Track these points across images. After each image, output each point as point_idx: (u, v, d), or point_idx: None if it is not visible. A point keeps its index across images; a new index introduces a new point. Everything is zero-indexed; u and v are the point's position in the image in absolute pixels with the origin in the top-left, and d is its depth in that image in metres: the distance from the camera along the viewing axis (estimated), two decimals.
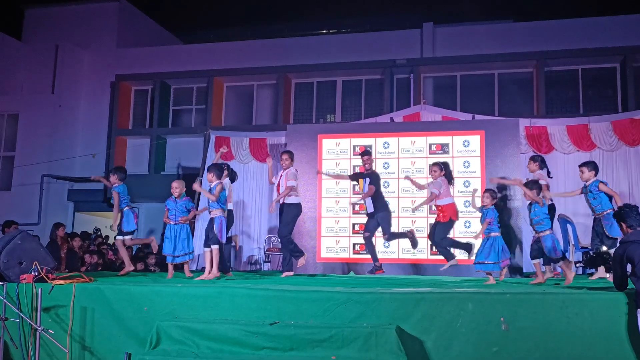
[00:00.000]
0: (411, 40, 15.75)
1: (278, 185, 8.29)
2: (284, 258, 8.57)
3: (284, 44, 16.75)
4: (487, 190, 7.53)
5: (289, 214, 8.30)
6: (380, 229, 8.60)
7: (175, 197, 7.48)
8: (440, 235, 7.91)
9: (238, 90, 16.94)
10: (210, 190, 7.21)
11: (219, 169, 7.46)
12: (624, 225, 4.95)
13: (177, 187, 7.49)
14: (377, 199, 8.44)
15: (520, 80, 15.13)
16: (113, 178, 7.92)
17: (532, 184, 6.90)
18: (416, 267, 9.82)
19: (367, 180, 8.49)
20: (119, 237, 7.91)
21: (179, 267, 7.81)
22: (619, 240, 5.10)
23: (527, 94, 14.84)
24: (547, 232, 6.79)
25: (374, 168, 8.77)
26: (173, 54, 17.31)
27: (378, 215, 8.44)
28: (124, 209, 7.84)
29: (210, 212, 7.30)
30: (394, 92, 15.40)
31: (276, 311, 5.19)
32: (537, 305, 4.89)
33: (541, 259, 7.00)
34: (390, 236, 8.57)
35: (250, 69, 16.18)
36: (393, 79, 15.45)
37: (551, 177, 8.53)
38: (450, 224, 7.97)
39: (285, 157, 8.39)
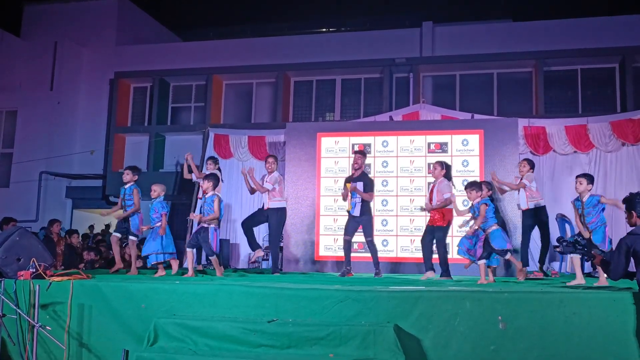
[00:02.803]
0: (410, 39, 15.75)
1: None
2: (273, 259, 8.72)
3: (284, 42, 16.74)
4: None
5: (274, 219, 8.44)
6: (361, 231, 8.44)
7: (152, 199, 7.55)
8: (443, 243, 7.78)
9: (237, 88, 16.92)
10: (206, 201, 7.41)
11: (216, 179, 7.69)
12: (634, 214, 4.86)
13: (155, 189, 7.59)
14: (366, 202, 8.20)
15: (519, 79, 15.12)
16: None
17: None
18: (414, 266, 9.80)
19: (361, 183, 8.19)
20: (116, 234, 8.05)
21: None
22: (627, 231, 4.95)
23: (526, 94, 14.84)
24: (494, 227, 6.95)
25: (365, 169, 8.56)
26: (172, 52, 17.29)
27: (362, 218, 8.20)
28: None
29: (205, 222, 7.42)
30: (393, 91, 15.39)
31: (274, 309, 5.19)
32: (535, 304, 4.89)
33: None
34: (372, 240, 8.27)
35: (249, 67, 16.16)
36: (392, 77, 15.44)
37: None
38: (449, 227, 7.93)
39: (270, 160, 8.60)
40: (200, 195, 8.87)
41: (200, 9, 24.33)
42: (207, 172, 8.79)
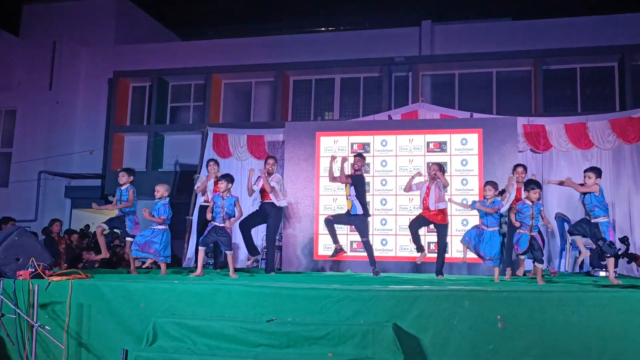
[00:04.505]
0: (410, 38, 15.75)
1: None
2: (267, 260, 8.83)
3: (283, 41, 16.74)
4: (488, 183, 7.49)
5: (272, 217, 8.54)
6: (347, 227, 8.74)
7: (156, 200, 7.55)
8: (445, 240, 7.98)
9: (236, 87, 16.91)
10: (229, 205, 7.49)
11: (232, 180, 7.71)
12: None
13: (158, 190, 7.56)
14: (363, 203, 8.24)
15: (518, 78, 15.12)
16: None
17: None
18: (413, 265, 9.81)
19: (352, 187, 8.23)
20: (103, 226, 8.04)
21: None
22: None
23: (525, 93, 14.84)
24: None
25: (363, 170, 8.60)
26: (171, 51, 17.29)
27: (359, 218, 8.23)
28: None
29: (227, 222, 7.57)
30: (392, 90, 15.39)
31: (273, 308, 5.19)
32: (534, 303, 4.89)
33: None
34: (368, 241, 8.33)
35: (248, 66, 16.15)
36: (391, 76, 15.44)
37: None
38: (447, 227, 8.06)
39: (271, 161, 8.71)
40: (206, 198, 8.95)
41: (200, 8, 24.31)
42: (218, 175, 8.65)
